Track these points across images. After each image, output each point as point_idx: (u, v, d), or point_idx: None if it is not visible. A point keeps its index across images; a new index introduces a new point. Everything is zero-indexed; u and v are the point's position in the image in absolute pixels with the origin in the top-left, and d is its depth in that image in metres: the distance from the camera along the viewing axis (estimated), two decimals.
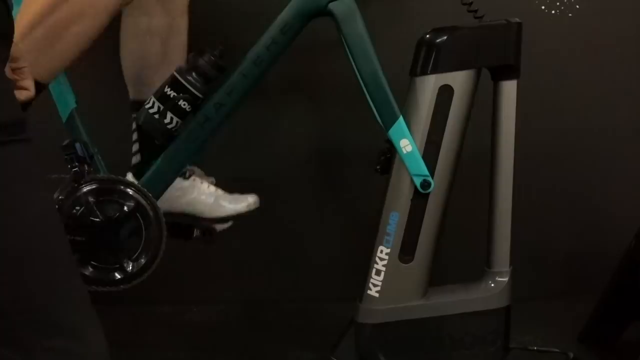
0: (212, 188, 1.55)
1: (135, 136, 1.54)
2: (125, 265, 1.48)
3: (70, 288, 0.78)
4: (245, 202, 1.58)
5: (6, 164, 0.73)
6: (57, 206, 1.44)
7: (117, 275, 1.48)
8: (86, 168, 1.47)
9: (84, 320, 0.78)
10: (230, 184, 1.94)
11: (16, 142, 0.74)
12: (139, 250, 1.48)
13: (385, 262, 1.44)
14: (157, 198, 1.48)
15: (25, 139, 0.75)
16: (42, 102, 1.55)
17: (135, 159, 1.55)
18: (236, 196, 1.58)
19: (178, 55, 1.54)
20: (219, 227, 1.58)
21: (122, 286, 1.49)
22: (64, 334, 0.75)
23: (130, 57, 1.55)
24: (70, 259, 0.82)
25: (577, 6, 1.91)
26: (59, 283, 0.77)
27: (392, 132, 1.43)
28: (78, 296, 0.79)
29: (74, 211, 1.45)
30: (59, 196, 1.46)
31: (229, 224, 1.59)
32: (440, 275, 1.49)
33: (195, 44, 1.52)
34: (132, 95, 1.56)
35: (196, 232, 1.60)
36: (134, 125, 1.53)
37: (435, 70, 1.41)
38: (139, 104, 1.51)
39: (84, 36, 1.37)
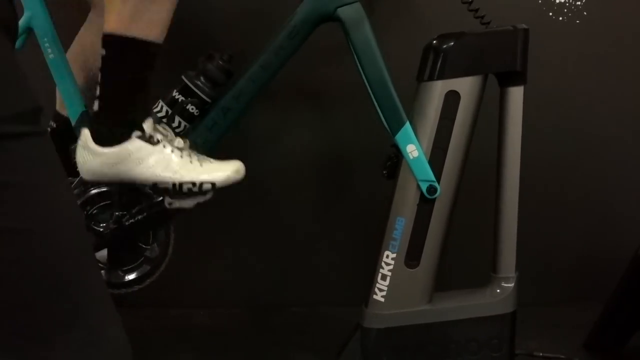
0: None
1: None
2: (133, 266, 1.49)
3: (91, 283, 0.79)
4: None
5: (31, 156, 0.73)
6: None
7: (125, 278, 1.49)
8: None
9: (105, 316, 0.79)
10: (235, 188, 1.95)
11: (38, 135, 0.74)
12: (146, 252, 1.49)
13: (391, 267, 1.44)
14: None
15: (43, 131, 0.75)
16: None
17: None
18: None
19: None
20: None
21: (124, 289, 1.50)
22: (85, 329, 0.76)
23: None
24: (91, 254, 0.82)
25: (585, 13, 1.91)
26: (81, 278, 0.77)
27: (399, 137, 1.43)
28: (98, 291, 0.79)
29: (85, 212, 1.46)
30: None
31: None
32: (445, 280, 1.49)
33: (203, 49, 1.53)
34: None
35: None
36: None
37: (442, 76, 1.41)
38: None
39: None
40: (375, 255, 1.46)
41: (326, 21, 1.46)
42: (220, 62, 1.48)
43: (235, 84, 1.48)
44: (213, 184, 1.38)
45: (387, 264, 1.44)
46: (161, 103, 1.48)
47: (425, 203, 1.43)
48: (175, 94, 1.47)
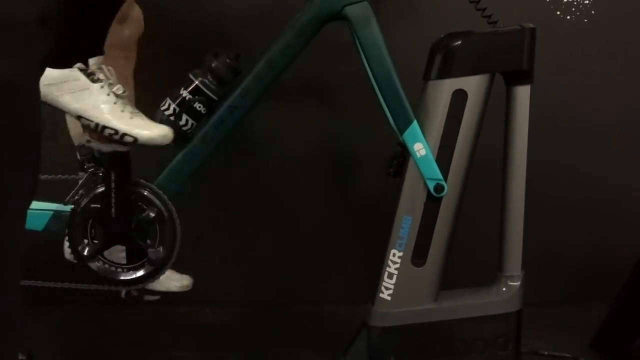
0: None
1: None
2: (138, 264, 1.49)
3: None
4: (178, 283, 1.52)
5: None
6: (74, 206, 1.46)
7: (130, 275, 1.49)
8: (102, 169, 1.49)
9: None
10: (241, 186, 1.96)
11: None
12: (152, 250, 1.49)
13: (397, 265, 1.44)
14: (171, 199, 1.50)
15: None
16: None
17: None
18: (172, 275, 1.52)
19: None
20: (147, 297, 1.52)
21: (133, 285, 1.50)
22: None
23: None
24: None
25: (593, 12, 1.91)
26: None
27: (406, 136, 1.43)
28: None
29: (91, 211, 1.46)
30: (75, 197, 1.48)
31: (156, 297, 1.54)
32: (452, 279, 1.49)
33: (210, 47, 1.53)
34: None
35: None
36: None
37: (449, 75, 1.42)
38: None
39: None
40: (381, 253, 1.46)
41: (333, 20, 1.46)
42: (228, 61, 1.49)
43: (242, 82, 1.48)
44: (135, 139, 1.39)
45: (394, 263, 1.44)
46: (169, 101, 1.48)
47: (432, 202, 1.43)
48: (182, 92, 1.48)
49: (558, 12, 1.91)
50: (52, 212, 1.48)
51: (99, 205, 1.46)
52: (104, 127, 1.38)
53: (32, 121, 0.77)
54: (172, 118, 1.47)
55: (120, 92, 1.40)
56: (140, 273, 1.49)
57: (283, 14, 1.54)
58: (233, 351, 1.74)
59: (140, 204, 1.48)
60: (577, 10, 1.91)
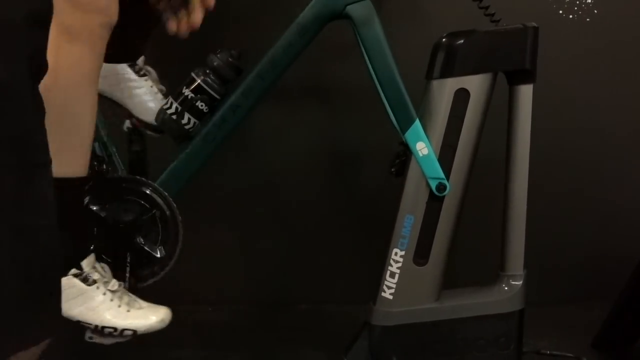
0: None
1: None
2: (141, 263, 1.49)
3: None
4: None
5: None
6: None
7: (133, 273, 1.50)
8: (104, 167, 1.49)
9: None
10: (243, 185, 1.96)
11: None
12: (155, 249, 1.49)
13: (399, 264, 1.44)
14: (173, 197, 1.50)
15: None
16: None
17: None
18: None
19: None
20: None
21: (137, 285, 1.50)
22: None
23: None
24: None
25: (595, 11, 1.91)
26: None
27: (409, 135, 1.43)
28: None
29: (92, 210, 1.46)
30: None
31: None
32: (454, 278, 1.49)
33: (213, 46, 1.53)
34: None
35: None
36: None
37: (451, 74, 1.41)
38: None
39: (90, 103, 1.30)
40: (383, 252, 1.46)
41: (336, 19, 1.46)
42: (230, 59, 1.49)
43: (244, 81, 1.48)
44: (134, 331, 1.42)
45: (396, 262, 1.44)
46: (170, 99, 1.49)
47: (434, 201, 1.43)
48: (184, 90, 1.48)
49: (561, 11, 1.91)
50: None
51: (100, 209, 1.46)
52: (103, 327, 1.40)
53: (20, 123, 0.77)
54: (174, 117, 1.48)
55: (115, 288, 1.42)
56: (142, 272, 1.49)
57: (285, 12, 1.54)
58: (234, 350, 1.74)
59: (142, 202, 1.48)
60: (580, 10, 1.91)
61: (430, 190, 1.42)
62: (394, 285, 1.45)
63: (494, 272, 1.51)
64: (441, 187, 1.42)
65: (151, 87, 1.52)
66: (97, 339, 1.43)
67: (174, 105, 1.48)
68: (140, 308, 1.43)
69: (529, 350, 1.59)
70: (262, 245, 2.00)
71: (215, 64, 1.48)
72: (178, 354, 1.70)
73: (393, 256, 1.44)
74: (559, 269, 1.99)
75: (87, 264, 1.39)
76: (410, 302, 1.45)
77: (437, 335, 1.47)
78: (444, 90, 1.42)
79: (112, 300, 1.40)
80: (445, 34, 1.44)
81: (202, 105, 1.48)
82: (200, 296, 2.00)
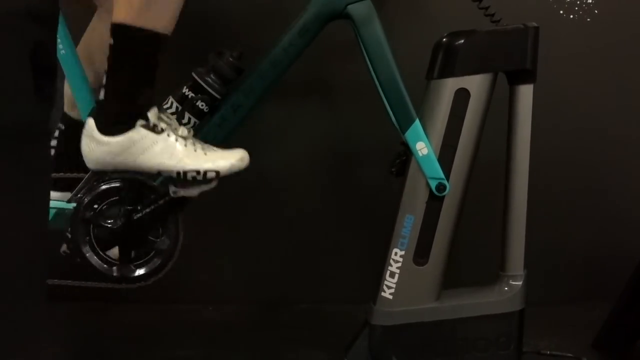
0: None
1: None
2: (142, 262, 1.49)
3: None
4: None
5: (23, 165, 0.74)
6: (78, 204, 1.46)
7: (134, 273, 1.50)
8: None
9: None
10: (244, 184, 1.96)
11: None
12: (155, 248, 1.49)
13: (399, 264, 1.45)
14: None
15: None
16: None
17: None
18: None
19: None
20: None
21: (137, 283, 1.50)
22: None
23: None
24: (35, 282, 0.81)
25: (596, 11, 1.91)
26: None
27: (409, 135, 1.43)
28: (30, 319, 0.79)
29: (94, 209, 1.46)
30: (77, 194, 1.48)
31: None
32: (454, 278, 1.50)
33: (213, 46, 1.53)
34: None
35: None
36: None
37: (451, 74, 1.42)
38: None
39: None
40: (383, 252, 1.46)
41: (336, 18, 1.46)
42: (230, 59, 1.49)
43: (245, 80, 1.48)
44: (217, 172, 1.39)
45: (396, 262, 1.44)
46: (171, 99, 1.49)
47: (434, 201, 1.43)
48: (185, 90, 1.48)
49: (561, 11, 1.91)
50: (55, 210, 1.48)
51: (99, 205, 1.46)
52: (185, 173, 1.38)
53: (19, 112, 0.76)
54: (174, 116, 1.48)
55: (185, 134, 1.41)
56: (142, 272, 1.49)
57: (286, 12, 1.54)
58: (236, 349, 1.74)
59: (141, 202, 1.48)
60: (580, 10, 1.91)
61: (430, 190, 1.43)
62: (394, 285, 1.45)
63: (494, 272, 1.51)
64: (441, 187, 1.42)
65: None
66: (182, 191, 1.41)
67: (175, 104, 1.48)
68: (216, 151, 1.40)
69: (529, 351, 1.59)
70: (263, 245, 2.00)
71: (216, 64, 1.48)
72: (179, 353, 1.70)
73: (393, 256, 1.44)
74: (559, 269, 1.99)
75: (152, 115, 1.37)
76: (410, 301, 1.46)
77: (437, 335, 1.47)
78: (444, 90, 1.42)
79: (186, 145, 1.38)
80: (445, 34, 1.44)
81: (202, 105, 1.48)
82: (201, 295, 2.00)
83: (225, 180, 1.95)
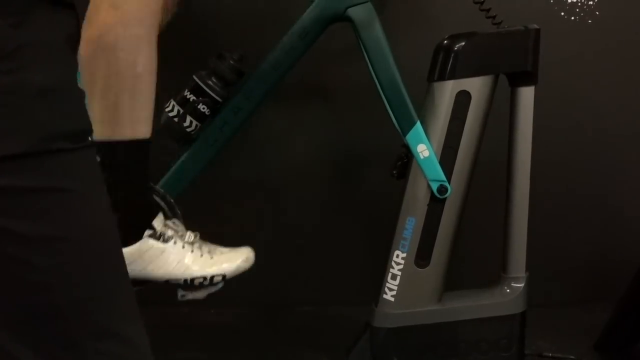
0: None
1: None
2: None
3: (124, 295, 0.79)
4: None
5: (79, 169, 0.75)
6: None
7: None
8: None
9: (134, 327, 0.79)
10: (246, 188, 1.96)
11: (86, 148, 0.76)
12: None
13: (401, 266, 1.44)
14: (175, 199, 1.49)
15: (91, 144, 0.77)
16: None
17: None
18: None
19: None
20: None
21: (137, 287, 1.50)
22: (116, 338, 0.76)
23: None
24: (124, 266, 0.82)
25: (597, 13, 1.91)
26: (114, 288, 0.78)
27: (410, 137, 1.43)
28: (130, 303, 0.80)
29: None
30: None
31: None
32: (455, 280, 1.49)
33: (214, 49, 1.53)
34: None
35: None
36: None
37: (452, 76, 1.42)
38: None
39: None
40: (385, 254, 1.46)
41: (337, 21, 1.46)
42: (232, 62, 1.49)
43: (246, 83, 1.48)
44: (223, 276, 1.41)
45: (397, 264, 1.44)
46: (173, 102, 1.49)
47: (436, 203, 1.43)
48: (186, 93, 1.48)
49: (562, 13, 1.91)
50: None
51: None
52: (193, 280, 1.38)
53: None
54: (176, 119, 1.48)
55: (192, 239, 1.40)
56: None
57: (287, 15, 1.54)
58: (237, 352, 1.74)
59: None
60: (581, 11, 1.91)
61: (432, 192, 1.43)
62: (396, 287, 1.45)
63: (496, 274, 1.51)
64: (442, 190, 1.42)
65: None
66: (190, 295, 1.41)
67: (176, 108, 1.48)
68: (222, 253, 1.41)
69: (530, 353, 1.59)
70: (265, 247, 2.00)
71: (217, 67, 1.48)
72: (181, 356, 1.70)
73: (394, 258, 1.44)
74: (560, 271, 1.98)
75: (157, 223, 1.36)
76: (412, 304, 1.46)
77: (439, 337, 1.47)
78: (445, 92, 1.42)
79: (192, 251, 1.38)
80: (446, 36, 1.44)
81: (204, 108, 1.48)
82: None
83: (227, 183, 1.95)
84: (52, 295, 0.72)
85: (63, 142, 0.72)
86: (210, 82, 1.48)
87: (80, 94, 0.77)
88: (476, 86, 1.42)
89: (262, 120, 1.89)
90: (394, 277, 1.45)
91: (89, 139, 0.77)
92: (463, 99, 1.42)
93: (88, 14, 1.16)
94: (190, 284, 1.38)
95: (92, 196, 0.77)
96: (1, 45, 0.67)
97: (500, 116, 1.46)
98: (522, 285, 1.48)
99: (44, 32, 0.71)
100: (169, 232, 1.37)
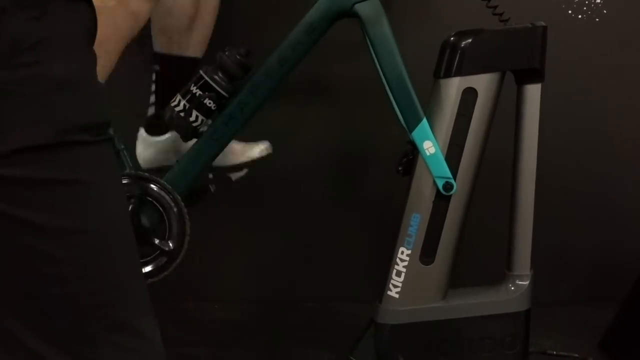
0: None
1: (153, 87, 1.60)
2: (147, 260, 1.49)
3: (138, 288, 0.80)
4: (258, 149, 1.63)
5: (97, 162, 0.75)
6: None
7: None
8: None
9: (147, 320, 0.79)
10: (250, 183, 1.96)
11: (105, 142, 0.76)
12: (161, 247, 1.50)
13: (406, 263, 1.44)
14: (181, 195, 1.50)
15: (109, 138, 0.78)
16: None
17: (150, 111, 1.61)
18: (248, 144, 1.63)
19: (209, 16, 1.60)
20: (235, 175, 1.64)
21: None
22: (130, 331, 0.77)
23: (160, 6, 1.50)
24: (138, 260, 0.83)
25: (605, 11, 1.90)
26: (129, 282, 0.78)
27: (416, 134, 1.43)
28: (143, 296, 0.80)
29: None
30: None
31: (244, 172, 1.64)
32: (460, 277, 1.49)
33: (221, 44, 1.53)
34: (156, 47, 1.60)
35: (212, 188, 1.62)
36: (153, 77, 1.61)
37: (459, 73, 1.41)
38: (161, 56, 1.59)
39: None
40: (390, 251, 1.46)
41: (344, 17, 1.46)
42: (238, 57, 1.49)
43: (252, 79, 1.48)
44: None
45: (402, 260, 1.44)
46: (179, 97, 1.49)
47: (441, 200, 1.43)
48: (193, 88, 1.48)
49: (570, 11, 1.90)
50: None
51: None
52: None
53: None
54: (182, 114, 1.48)
55: None
56: (148, 269, 1.50)
57: (294, 10, 1.54)
58: (241, 347, 1.75)
59: (149, 199, 1.48)
60: (589, 9, 1.90)
61: (437, 189, 1.42)
62: (400, 284, 1.44)
63: (500, 272, 1.51)
64: (448, 186, 1.42)
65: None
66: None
67: (182, 102, 1.48)
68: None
69: (535, 351, 1.59)
70: (269, 243, 2.00)
71: (223, 62, 1.48)
72: (185, 352, 1.71)
73: (399, 255, 1.44)
74: (566, 269, 1.98)
75: None
76: (417, 300, 1.45)
77: (443, 334, 1.46)
78: (452, 89, 1.41)
79: None
80: (453, 33, 1.44)
81: (210, 103, 1.48)
82: (207, 294, 2.00)
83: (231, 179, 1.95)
84: (67, 287, 0.72)
85: (81, 135, 0.72)
86: (216, 77, 1.48)
87: (100, 87, 0.78)
88: (483, 83, 1.41)
89: (268, 117, 1.89)
90: (398, 273, 1.45)
91: (108, 132, 0.77)
92: (469, 96, 1.41)
93: None
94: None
95: (109, 189, 0.77)
96: (22, 38, 0.68)
97: (507, 113, 1.46)
98: (526, 283, 1.48)
99: (63, 25, 0.71)
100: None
